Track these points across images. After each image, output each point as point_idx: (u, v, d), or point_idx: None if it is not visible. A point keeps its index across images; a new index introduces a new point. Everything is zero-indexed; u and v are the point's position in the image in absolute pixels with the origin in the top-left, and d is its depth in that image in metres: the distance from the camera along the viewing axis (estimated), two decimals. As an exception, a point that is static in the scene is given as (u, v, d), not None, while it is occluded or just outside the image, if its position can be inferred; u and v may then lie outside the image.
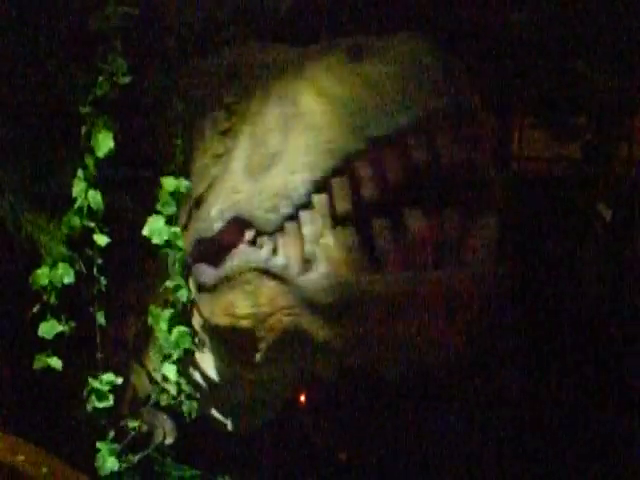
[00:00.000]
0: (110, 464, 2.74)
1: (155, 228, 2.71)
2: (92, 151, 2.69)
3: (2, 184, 2.80)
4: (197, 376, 2.88)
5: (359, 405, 3.43)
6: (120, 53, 2.73)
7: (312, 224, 2.40)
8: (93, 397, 2.72)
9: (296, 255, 2.44)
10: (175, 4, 2.88)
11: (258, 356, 2.59)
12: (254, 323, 2.52)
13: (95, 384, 2.73)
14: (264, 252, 2.49)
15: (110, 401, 2.73)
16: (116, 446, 2.77)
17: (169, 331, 2.74)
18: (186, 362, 2.81)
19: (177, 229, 2.72)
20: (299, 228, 2.42)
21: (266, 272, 2.48)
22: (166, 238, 2.71)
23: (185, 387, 2.81)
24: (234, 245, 2.60)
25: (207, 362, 2.83)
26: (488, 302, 2.44)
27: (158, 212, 2.73)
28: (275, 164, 2.46)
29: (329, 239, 2.40)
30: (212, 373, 2.84)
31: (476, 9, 3.47)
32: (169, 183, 2.71)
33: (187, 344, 2.76)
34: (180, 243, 2.72)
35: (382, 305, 2.33)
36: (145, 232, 2.72)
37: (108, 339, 2.82)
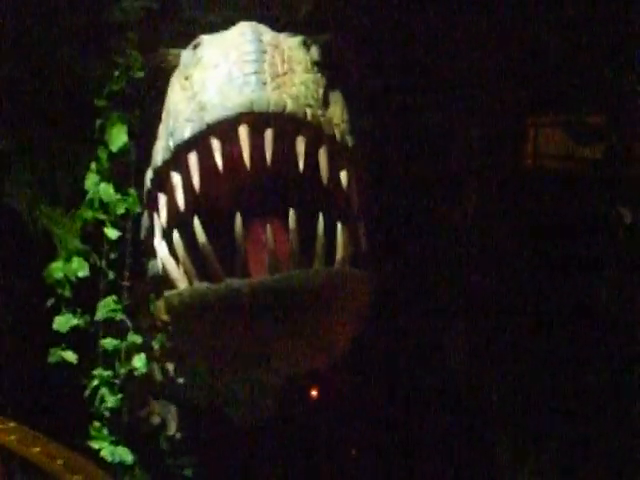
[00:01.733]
0: (123, 456, 2.75)
1: None
2: (106, 145, 2.71)
3: (19, 178, 2.82)
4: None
5: (371, 401, 3.40)
6: (136, 47, 2.74)
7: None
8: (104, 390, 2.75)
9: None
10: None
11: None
12: (178, 328, 2.53)
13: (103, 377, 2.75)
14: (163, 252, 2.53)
15: (118, 394, 2.74)
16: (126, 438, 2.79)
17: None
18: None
19: None
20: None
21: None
22: None
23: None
24: None
25: None
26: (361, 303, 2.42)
27: None
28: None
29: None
30: None
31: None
32: None
33: None
34: None
35: (244, 310, 2.28)
36: None
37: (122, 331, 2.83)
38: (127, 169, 2.73)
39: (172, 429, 2.97)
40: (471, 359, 3.15)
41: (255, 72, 2.33)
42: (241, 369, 2.49)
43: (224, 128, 2.31)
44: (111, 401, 2.74)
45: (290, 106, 2.32)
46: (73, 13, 2.85)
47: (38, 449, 2.69)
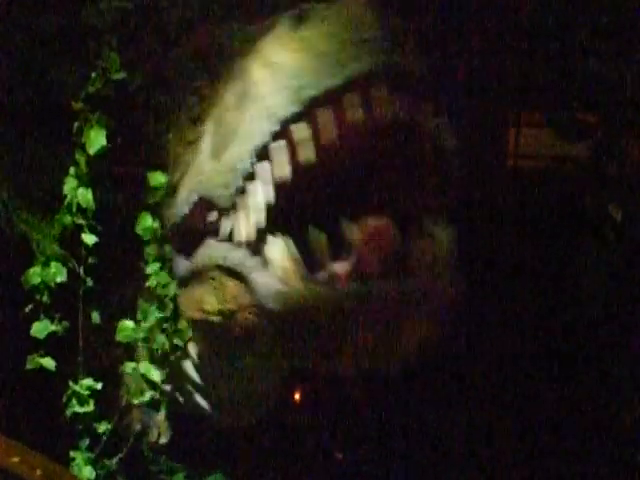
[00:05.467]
0: (87, 473, 2.71)
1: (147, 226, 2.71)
2: (84, 148, 2.66)
3: (-5, 181, 2.78)
4: (186, 370, 2.85)
5: (355, 404, 3.39)
6: (114, 48, 2.70)
7: (255, 196, 2.34)
8: (74, 402, 2.70)
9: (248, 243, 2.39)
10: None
11: (231, 350, 2.59)
12: (223, 319, 2.48)
13: (75, 388, 2.70)
14: (223, 248, 2.45)
15: (91, 406, 2.70)
16: (90, 454, 2.75)
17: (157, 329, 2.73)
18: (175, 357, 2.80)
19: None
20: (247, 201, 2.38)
21: (227, 269, 2.43)
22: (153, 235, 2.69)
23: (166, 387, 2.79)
24: (202, 231, 2.56)
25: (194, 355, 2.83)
26: (442, 316, 2.37)
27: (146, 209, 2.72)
28: (232, 141, 2.41)
29: (276, 244, 2.35)
30: (198, 366, 2.82)
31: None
32: (155, 178, 2.69)
33: (178, 341, 2.74)
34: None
35: (332, 317, 2.26)
36: (138, 230, 2.70)
37: (102, 338, 2.80)
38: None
39: (154, 435, 2.95)
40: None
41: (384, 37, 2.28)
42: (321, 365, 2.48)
43: (361, 85, 2.26)
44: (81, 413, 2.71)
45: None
46: (49, 15, 2.81)
47: (17, 459, 2.65)
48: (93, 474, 2.71)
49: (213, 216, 2.48)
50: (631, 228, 3.26)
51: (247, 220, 2.37)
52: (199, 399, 2.91)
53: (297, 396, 3.30)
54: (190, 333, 2.75)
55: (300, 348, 2.35)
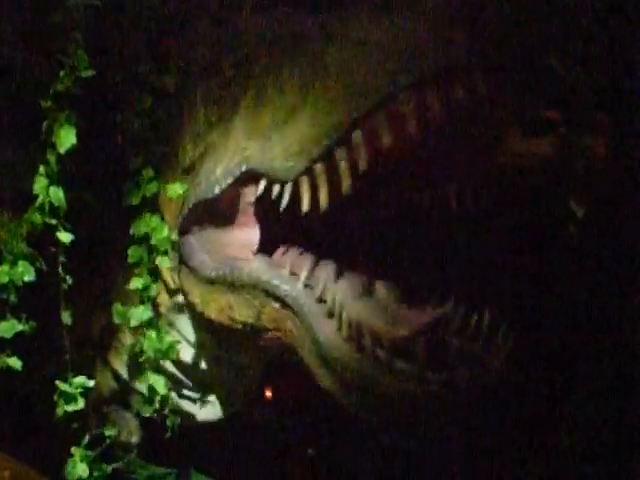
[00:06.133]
0: (81, 470, 2.69)
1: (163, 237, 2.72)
2: (54, 147, 2.63)
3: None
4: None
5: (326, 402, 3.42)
6: (82, 46, 2.67)
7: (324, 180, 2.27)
8: (62, 401, 2.67)
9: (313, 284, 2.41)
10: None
11: (241, 350, 2.63)
12: (251, 330, 2.49)
13: (64, 387, 2.67)
14: (274, 275, 2.43)
15: (80, 404, 2.68)
16: (89, 452, 2.73)
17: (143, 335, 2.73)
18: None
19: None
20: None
21: (276, 297, 2.41)
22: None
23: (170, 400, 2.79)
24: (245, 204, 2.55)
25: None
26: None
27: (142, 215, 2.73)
28: (295, 118, 2.34)
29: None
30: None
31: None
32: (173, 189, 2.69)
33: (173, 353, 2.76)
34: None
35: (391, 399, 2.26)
36: (153, 241, 2.70)
37: (72, 338, 2.77)
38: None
39: (126, 436, 2.94)
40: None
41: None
42: None
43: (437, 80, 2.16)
44: (70, 412, 2.68)
45: None
46: (15, 13, 2.77)
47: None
48: (87, 473, 2.68)
49: (260, 188, 2.41)
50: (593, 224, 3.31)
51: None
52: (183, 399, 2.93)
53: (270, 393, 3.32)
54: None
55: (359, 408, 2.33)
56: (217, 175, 2.51)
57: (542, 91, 2.53)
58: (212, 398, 2.99)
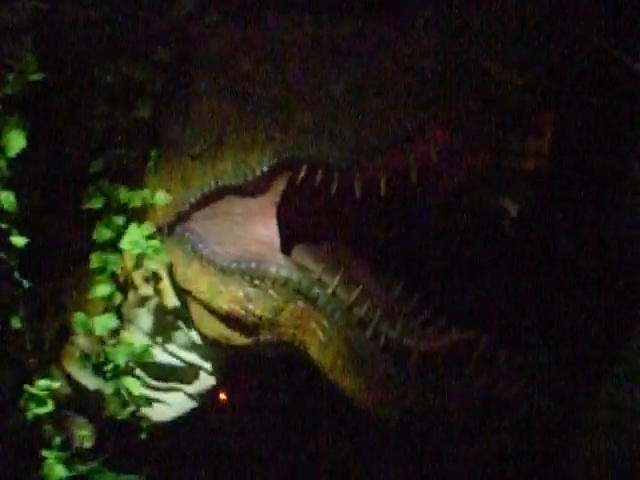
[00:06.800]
0: (59, 472, 2.67)
1: (134, 240, 2.67)
2: (3, 151, 2.61)
3: None
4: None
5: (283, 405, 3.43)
6: (30, 49, 2.66)
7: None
8: (32, 404, 2.65)
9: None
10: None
11: (243, 341, 2.66)
12: (265, 324, 2.58)
13: (32, 390, 2.65)
14: (312, 277, 2.57)
15: (50, 406, 2.66)
16: (63, 454, 2.72)
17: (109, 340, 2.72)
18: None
19: (155, 242, 2.69)
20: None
21: (305, 296, 2.55)
22: (141, 251, 2.67)
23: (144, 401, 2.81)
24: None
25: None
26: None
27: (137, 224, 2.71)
28: (351, 114, 2.47)
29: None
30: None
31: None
32: (124, 193, 2.70)
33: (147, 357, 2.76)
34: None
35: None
36: (124, 245, 2.67)
37: (24, 342, 2.75)
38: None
39: (79, 441, 2.92)
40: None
41: None
42: None
43: None
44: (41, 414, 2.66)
45: None
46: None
47: None
48: (66, 473, 2.66)
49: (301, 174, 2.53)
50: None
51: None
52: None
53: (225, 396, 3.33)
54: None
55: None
56: (249, 162, 2.58)
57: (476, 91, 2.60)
58: (168, 398, 2.98)
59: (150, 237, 2.68)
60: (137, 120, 2.73)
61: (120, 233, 2.70)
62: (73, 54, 2.75)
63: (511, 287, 3.35)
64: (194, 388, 2.99)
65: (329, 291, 2.54)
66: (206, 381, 2.96)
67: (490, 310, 3.19)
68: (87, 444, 2.92)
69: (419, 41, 2.37)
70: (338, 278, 2.56)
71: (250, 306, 2.57)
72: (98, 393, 2.79)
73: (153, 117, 2.74)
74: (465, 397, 2.41)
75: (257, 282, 2.57)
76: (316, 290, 2.54)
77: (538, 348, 3.26)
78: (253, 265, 2.59)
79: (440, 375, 2.44)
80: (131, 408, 2.76)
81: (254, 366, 3.15)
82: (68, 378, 2.90)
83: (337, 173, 2.46)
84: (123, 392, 2.71)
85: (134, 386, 2.73)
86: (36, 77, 2.64)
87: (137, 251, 2.66)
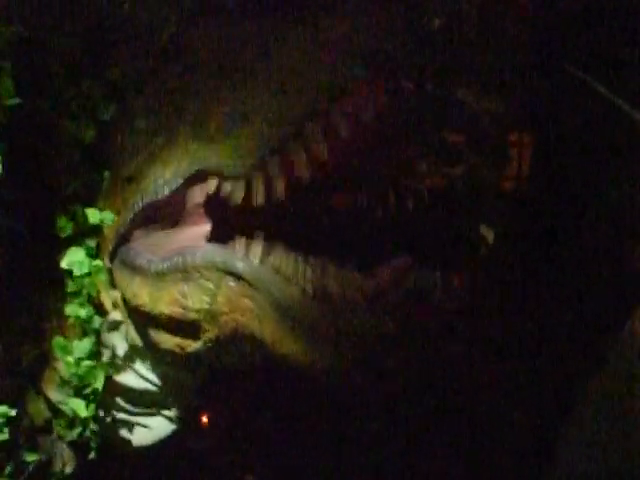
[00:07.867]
0: None
1: (75, 260, 2.68)
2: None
3: None
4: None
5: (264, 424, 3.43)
6: (8, 74, 2.66)
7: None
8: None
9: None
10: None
11: (195, 345, 2.62)
12: (205, 317, 2.55)
13: None
14: (236, 255, 2.53)
15: (5, 435, 2.65)
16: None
17: (78, 364, 2.70)
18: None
19: (99, 262, 2.71)
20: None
21: (232, 273, 2.50)
22: (86, 271, 2.67)
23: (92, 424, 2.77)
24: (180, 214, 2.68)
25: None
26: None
27: (79, 244, 2.71)
28: (248, 120, 2.48)
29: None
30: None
31: None
32: (93, 215, 2.69)
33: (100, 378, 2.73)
34: (100, 276, 2.71)
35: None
36: (64, 264, 2.67)
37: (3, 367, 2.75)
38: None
39: (59, 465, 2.90)
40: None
41: None
42: None
43: None
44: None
45: None
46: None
47: None
48: None
49: (213, 185, 2.58)
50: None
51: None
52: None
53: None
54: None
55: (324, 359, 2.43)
56: (166, 177, 2.59)
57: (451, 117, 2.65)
58: (148, 421, 2.97)
59: (92, 256, 2.71)
60: (86, 144, 2.75)
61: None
62: (48, 78, 2.75)
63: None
64: (172, 411, 2.98)
65: (255, 261, 2.50)
66: (183, 403, 2.96)
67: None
68: (68, 469, 2.91)
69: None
70: (261, 248, 2.53)
71: (187, 302, 2.55)
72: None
73: (102, 140, 2.76)
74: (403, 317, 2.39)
75: (187, 275, 2.55)
76: (241, 264, 2.50)
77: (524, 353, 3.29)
78: (180, 260, 2.57)
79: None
80: (78, 430, 2.76)
81: (235, 387, 3.15)
82: (47, 403, 2.90)
83: (241, 182, 2.49)
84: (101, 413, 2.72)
85: (80, 407, 2.71)
86: (12, 102, 2.65)
87: (83, 271, 2.68)
